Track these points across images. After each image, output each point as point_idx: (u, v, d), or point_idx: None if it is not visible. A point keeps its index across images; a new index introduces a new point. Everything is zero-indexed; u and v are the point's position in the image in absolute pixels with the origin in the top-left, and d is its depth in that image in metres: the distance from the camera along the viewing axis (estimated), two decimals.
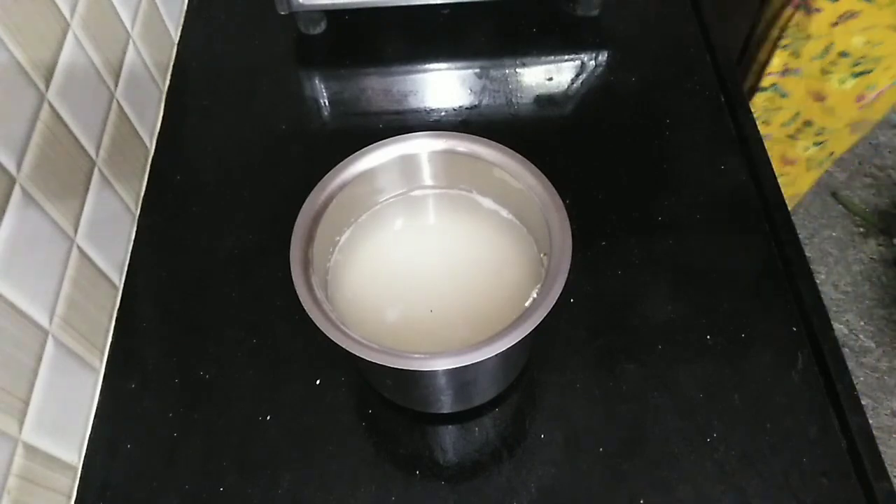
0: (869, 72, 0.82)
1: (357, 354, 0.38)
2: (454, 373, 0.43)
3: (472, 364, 0.38)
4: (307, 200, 0.45)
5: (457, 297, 0.46)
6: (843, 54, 0.81)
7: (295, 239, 0.43)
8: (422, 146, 0.47)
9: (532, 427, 0.50)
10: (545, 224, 0.43)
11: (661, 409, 0.50)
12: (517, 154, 0.45)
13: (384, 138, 0.47)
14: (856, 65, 0.82)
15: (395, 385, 0.48)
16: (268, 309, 0.56)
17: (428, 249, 0.49)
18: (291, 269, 0.41)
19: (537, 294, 0.41)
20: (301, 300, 0.40)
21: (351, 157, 0.47)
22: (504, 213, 0.49)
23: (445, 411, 0.50)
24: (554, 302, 0.38)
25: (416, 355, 0.38)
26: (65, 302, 0.49)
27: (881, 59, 0.80)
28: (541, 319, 0.38)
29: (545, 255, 0.43)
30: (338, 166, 0.46)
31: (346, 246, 0.49)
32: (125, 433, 0.51)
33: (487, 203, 0.49)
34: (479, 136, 0.47)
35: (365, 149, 0.47)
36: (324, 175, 0.47)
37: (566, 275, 0.39)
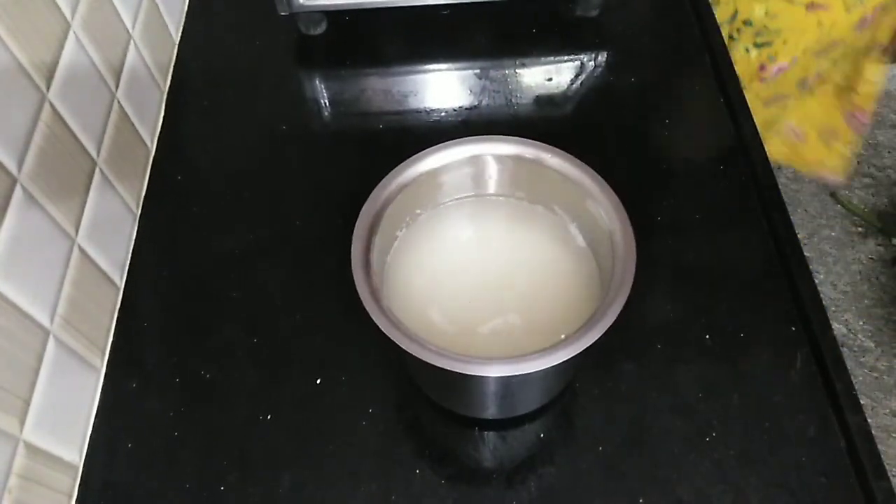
0: (769, 44, 0.83)
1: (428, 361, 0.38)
2: (503, 381, 0.42)
3: (518, 376, 0.38)
4: (370, 197, 0.44)
5: (507, 306, 0.46)
6: (746, 22, 0.81)
7: (356, 241, 0.42)
8: (525, 152, 0.46)
9: (532, 427, 0.50)
10: (611, 268, 0.42)
11: (661, 408, 0.50)
12: (613, 193, 0.44)
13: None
14: (757, 34, 0.83)
15: (443, 383, 0.48)
16: (268, 308, 0.56)
17: (494, 256, 0.48)
18: (354, 274, 0.41)
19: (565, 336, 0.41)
20: (358, 290, 0.40)
21: (449, 143, 0.46)
22: (581, 240, 0.48)
23: (489, 417, 0.50)
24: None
25: (472, 359, 0.38)
26: (66, 301, 0.49)
27: (779, 31, 0.81)
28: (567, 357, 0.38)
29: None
30: (429, 151, 0.46)
31: (410, 238, 0.48)
32: (126, 432, 0.51)
33: (571, 227, 0.49)
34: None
35: (466, 139, 0.46)
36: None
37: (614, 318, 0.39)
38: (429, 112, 0.68)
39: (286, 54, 0.73)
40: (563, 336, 0.40)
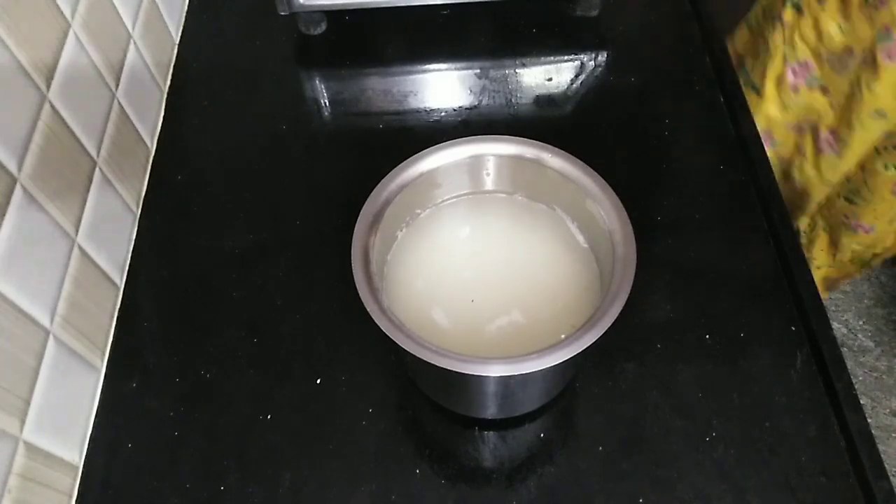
0: None
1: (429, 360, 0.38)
2: (503, 381, 0.43)
3: (521, 374, 0.38)
4: (370, 197, 0.44)
5: (507, 305, 0.46)
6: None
7: (356, 241, 0.42)
8: (526, 152, 0.47)
9: (532, 427, 0.50)
10: (611, 268, 0.42)
11: (661, 408, 0.50)
12: (614, 193, 0.44)
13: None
14: None
15: (441, 383, 0.48)
16: (268, 308, 0.56)
17: (494, 255, 0.48)
18: (354, 274, 0.41)
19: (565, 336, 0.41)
20: (357, 287, 0.40)
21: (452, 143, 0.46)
22: (582, 240, 0.48)
23: (489, 417, 0.50)
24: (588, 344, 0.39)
25: (473, 358, 0.38)
26: (66, 301, 0.49)
27: None
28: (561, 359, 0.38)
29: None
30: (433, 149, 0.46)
31: (410, 238, 0.48)
32: (126, 432, 0.51)
33: (571, 227, 0.49)
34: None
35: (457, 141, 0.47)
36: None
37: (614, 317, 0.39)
38: (429, 112, 0.68)
39: (286, 54, 0.73)
40: (562, 336, 0.40)
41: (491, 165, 0.48)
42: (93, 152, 0.54)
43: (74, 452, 0.49)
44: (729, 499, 0.47)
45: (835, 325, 1.36)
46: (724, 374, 0.52)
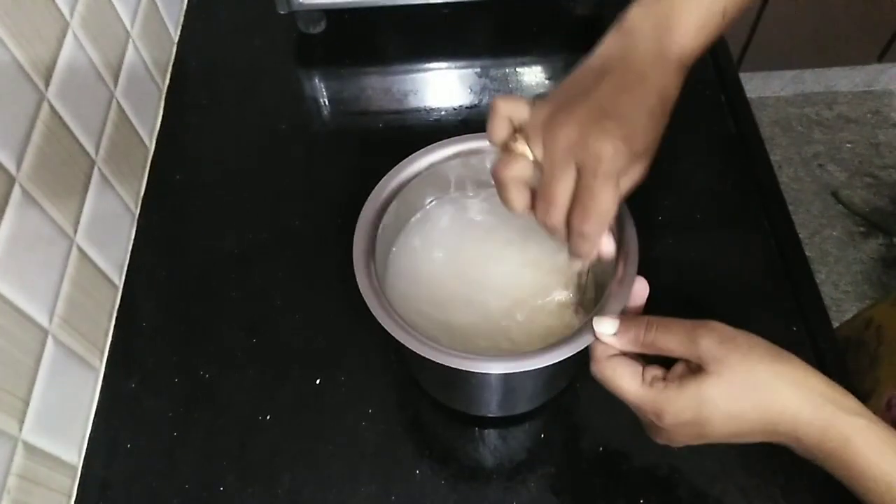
0: None
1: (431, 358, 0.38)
2: (505, 378, 0.43)
3: (525, 371, 0.38)
4: (371, 196, 0.44)
5: (511, 302, 0.46)
6: None
7: (357, 241, 0.42)
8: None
9: (532, 427, 0.50)
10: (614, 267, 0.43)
11: None
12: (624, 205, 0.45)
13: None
14: None
15: (443, 382, 0.48)
16: (268, 308, 0.56)
17: (497, 254, 0.48)
18: (356, 274, 0.41)
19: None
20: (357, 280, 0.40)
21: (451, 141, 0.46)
22: None
23: (490, 415, 0.50)
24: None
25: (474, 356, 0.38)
26: (65, 301, 0.49)
27: None
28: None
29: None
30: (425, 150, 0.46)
31: (411, 237, 0.48)
32: (125, 433, 0.51)
33: None
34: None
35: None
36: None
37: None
38: (429, 111, 0.68)
39: (285, 53, 0.73)
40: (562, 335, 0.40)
41: (491, 164, 0.48)
42: (91, 152, 0.54)
43: (73, 453, 0.49)
44: (729, 500, 0.47)
45: (836, 325, 1.35)
46: None
